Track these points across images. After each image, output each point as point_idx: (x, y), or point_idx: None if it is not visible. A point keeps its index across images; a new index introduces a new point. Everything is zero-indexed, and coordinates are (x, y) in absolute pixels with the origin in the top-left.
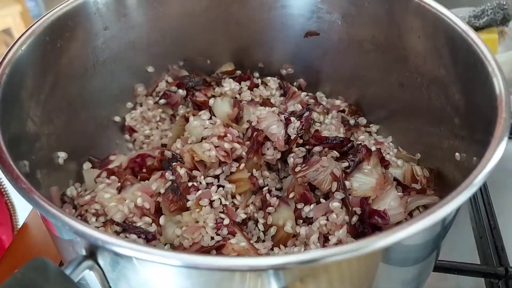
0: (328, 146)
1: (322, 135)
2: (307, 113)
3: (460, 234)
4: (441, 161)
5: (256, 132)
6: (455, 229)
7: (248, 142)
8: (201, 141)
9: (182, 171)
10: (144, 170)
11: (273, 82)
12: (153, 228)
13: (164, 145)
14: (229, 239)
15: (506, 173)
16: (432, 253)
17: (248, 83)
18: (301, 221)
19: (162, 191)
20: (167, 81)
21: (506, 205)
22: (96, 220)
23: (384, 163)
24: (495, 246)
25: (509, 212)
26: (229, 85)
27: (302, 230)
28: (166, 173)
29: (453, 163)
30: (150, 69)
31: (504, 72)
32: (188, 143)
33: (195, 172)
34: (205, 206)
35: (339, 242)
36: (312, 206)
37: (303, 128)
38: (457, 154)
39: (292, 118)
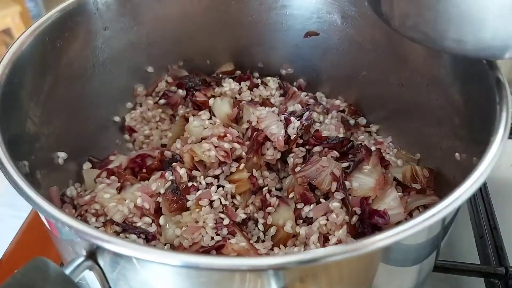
0: (328, 146)
1: (322, 135)
2: (307, 113)
3: (460, 234)
4: (441, 161)
5: (256, 132)
6: (455, 229)
7: (248, 142)
8: (201, 141)
9: (182, 171)
10: (144, 170)
11: (273, 82)
12: (153, 228)
13: (164, 145)
14: (229, 239)
15: (506, 172)
16: (432, 253)
17: (248, 83)
18: (301, 221)
19: (162, 191)
20: (167, 81)
21: (506, 205)
22: (96, 220)
23: (384, 163)
24: (495, 246)
25: (509, 212)
26: (229, 85)
27: (302, 230)
28: (166, 173)
29: (453, 163)
30: (150, 69)
31: (504, 72)
32: (188, 143)
33: (195, 172)
34: (205, 206)
35: (339, 242)
36: (312, 206)
37: (303, 128)
38: (457, 154)
39: (292, 118)
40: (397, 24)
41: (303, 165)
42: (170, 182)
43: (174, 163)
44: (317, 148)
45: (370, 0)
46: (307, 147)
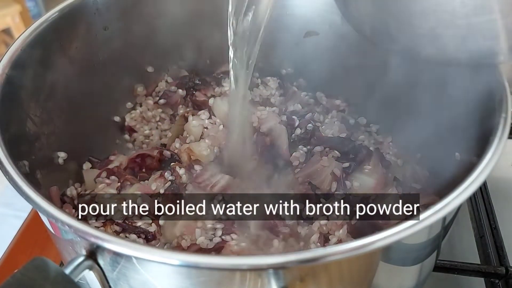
0: (328, 146)
1: (323, 135)
2: (309, 114)
3: (460, 234)
4: (441, 161)
5: (260, 137)
6: (455, 229)
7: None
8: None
9: (181, 171)
10: (143, 170)
11: (273, 82)
12: (153, 228)
13: (164, 145)
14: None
15: (506, 172)
16: (432, 253)
17: None
18: (301, 221)
19: (162, 191)
20: (167, 81)
21: (506, 205)
22: (96, 220)
23: (384, 163)
24: (495, 246)
25: (509, 212)
26: (229, 85)
27: (302, 230)
28: (166, 173)
29: (453, 163)
30: (150, 69)
31: (504, 72)
32: (187, 142)
33: (194, 171)
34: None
35: (339, 242)
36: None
37: (306, 131)
38: (457, 154)
39: (294, 117)
40: (369, 33)
41: (304, 164)
42: (170, 182)
43: (172, 163)
44: (318, 148)
45: (340, 6)
46: (308, 147)
